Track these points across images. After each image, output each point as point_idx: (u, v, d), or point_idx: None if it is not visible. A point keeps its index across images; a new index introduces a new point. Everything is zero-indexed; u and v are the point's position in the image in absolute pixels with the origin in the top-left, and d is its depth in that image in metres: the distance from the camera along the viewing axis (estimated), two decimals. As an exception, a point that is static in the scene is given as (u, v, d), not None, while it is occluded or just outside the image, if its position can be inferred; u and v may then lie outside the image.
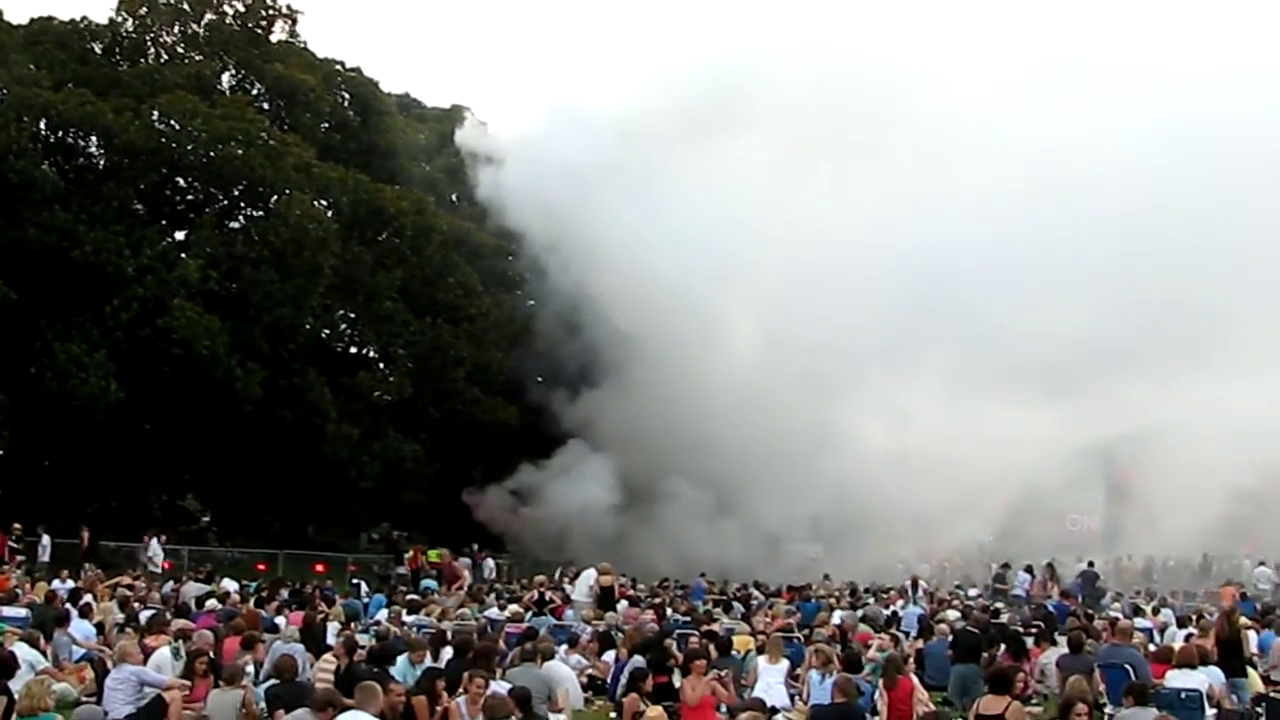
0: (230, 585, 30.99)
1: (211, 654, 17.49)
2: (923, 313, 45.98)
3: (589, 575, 31.93)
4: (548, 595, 30.94)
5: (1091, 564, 41.33)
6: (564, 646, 21.65)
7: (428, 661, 17.66)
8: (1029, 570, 40.04)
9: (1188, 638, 22.11)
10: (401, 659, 17.52)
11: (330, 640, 20.39)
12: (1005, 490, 49.46)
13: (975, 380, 47.41)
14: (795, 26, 53.56)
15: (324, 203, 47.40)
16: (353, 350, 54.38)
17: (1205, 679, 16.87)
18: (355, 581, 37.73)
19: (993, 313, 44.67)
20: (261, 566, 41.32)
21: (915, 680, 17.70)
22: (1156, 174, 42.55)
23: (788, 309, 47.37)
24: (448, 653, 18.65)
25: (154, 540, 39.05)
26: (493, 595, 32.76)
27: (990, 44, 52.98)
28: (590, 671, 21.00)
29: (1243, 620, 25.67)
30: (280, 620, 23.32)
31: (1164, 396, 45.86)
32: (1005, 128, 47.29)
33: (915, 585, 39.41)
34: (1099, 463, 52.76)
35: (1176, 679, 16.88)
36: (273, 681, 16.13)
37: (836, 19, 53.04)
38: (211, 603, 26.02)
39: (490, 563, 46.55)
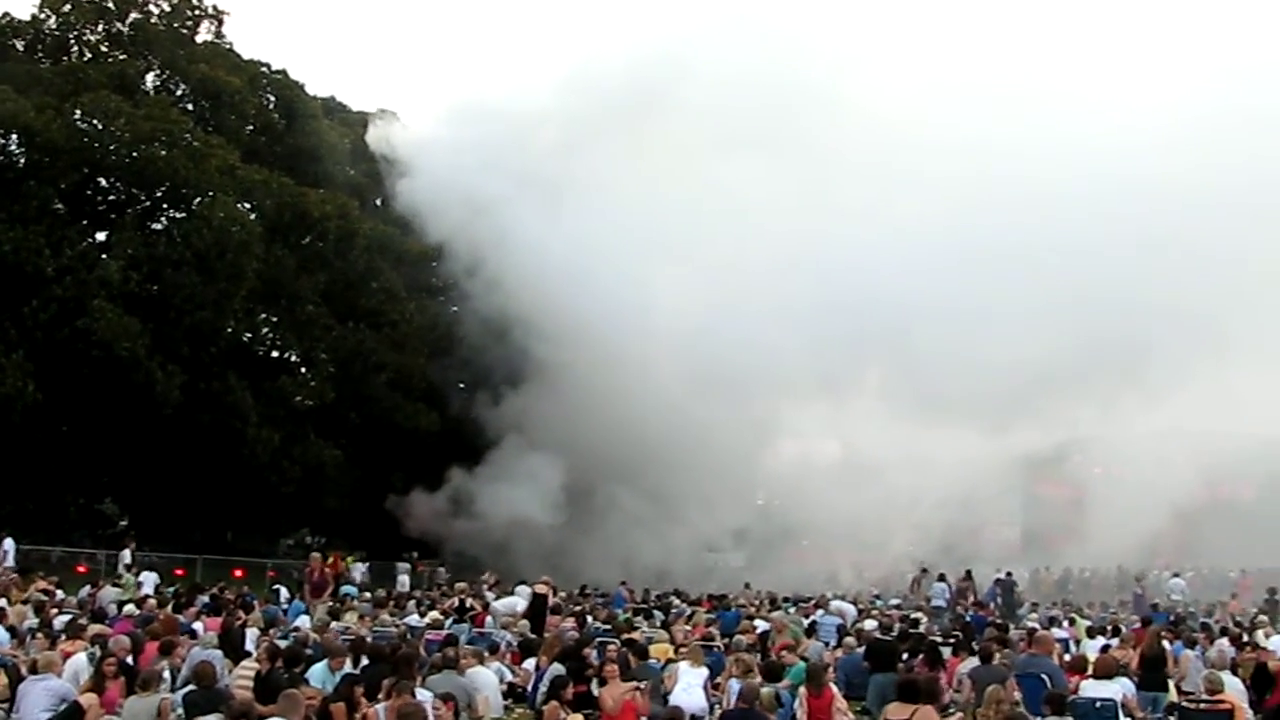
0: (149, 577, 30.88)
1: (129, 659, 17.34)
2: (850, 323, 45.99)
3: (524, 591, 31.90)
4: (469, 603, 30.89)
5: (1009, 574, 41.77)
6: (484, 653, 21.62)
7: (347, 668, 17.59)
8: (942, 579, 40.32)
9: (1104, 649, 22.47)
10: (320, 665, 17.46)
11: (250, 646, 20.29)
12: (929, 504, 50.09)
13: (904, 395, 47.77)
14: (720, 23, 53.24)
15: (247, 205, 47.19)
16: (274, 354, 53.96)
17: (1120, 689, 17.14)
18: (275, 587, 37.50)
19: (924, 329, 44.91)
20: (180, 571, 40.96)
21: (835, 689, 17.81)
22: (1093, 200, 43.06)
23: (715, 329, 47.12)
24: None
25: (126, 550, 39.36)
26: (412, 603, 32.66)
27: (923, 56, 52.95)
28: (511, 679, 20.99)
29: (1153, 631, 26.22)
30: (198, 626, 23.15)
31: (1090, 417, 46.60)
32: (937, 143, 47.47)
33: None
34: (1022, 478, 53.37)
35: (1091, 689, 17.13)
36: (191, 688, 16.01)
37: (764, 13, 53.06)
38: (129, 608, 25.77)
39: (404, 578, 46.52)
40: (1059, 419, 47.78)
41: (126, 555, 39.01)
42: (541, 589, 29.96)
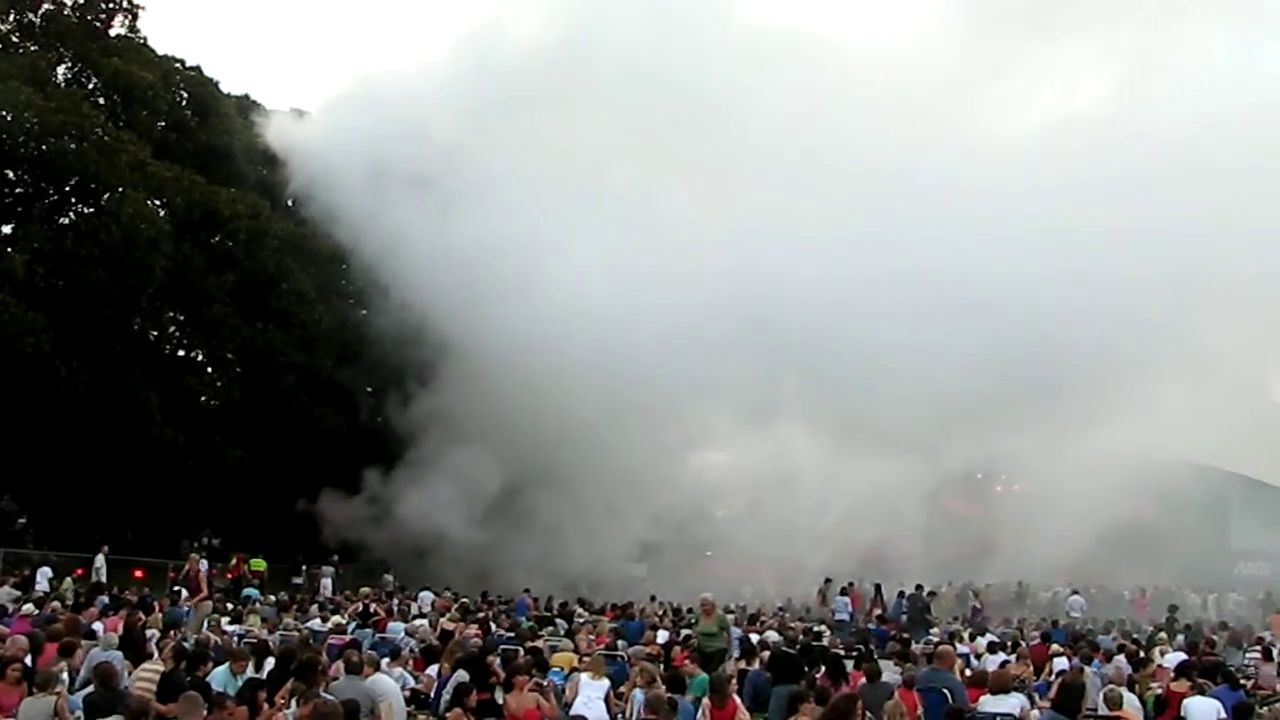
0: (46, 572, 30.57)
1: (28, 660, 17.13)
2: (764, 331, 45.98)
3: (426, 597, 31.85)
4: (372, 608, 30.80)
5: (921, 588, 42.34)
6: (386, 660, 21.54)
7: (249, 672, 17.49)
8: (845, 592, 40.61)
9: (1003, 664, 22.80)
10: (222, 669, 17.34)
11: (152, 648, 20.12)
12: (840, 519, 50.51)
13: (822, 409, 47.80)
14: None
15: (157, 202, 46.52)
16: (181, 353, 53.37)
17: (1017, 703, 17.37)
18: (175, 589, 37.12)
19: (842, 342, 44.88)
20: (80, 571, 40.43)
21: (739, 701, 17.93)
22: (1017, 221, 43.51)
23: (626, 335, 46.76)
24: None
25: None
26: (315, 606, 32.51)
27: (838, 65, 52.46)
28: (414, 686, 20.93)
29: (1054, 647, 26.62)
30: (98, 626, 22.91)
31: (1009, 439, 47.10)
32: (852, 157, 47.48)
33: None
34: (936, 496, 53.78)
35: (990, 704, 17.35)
36: (90, 689, 15.85)
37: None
38: (28, 607, 25.47)
39: (328, 580, 46.34)
40: (978, 439, 48.09)
41: (100, 560, 38.96)
42: (442, 604, 29.89)
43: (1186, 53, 46.85)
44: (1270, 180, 40.79)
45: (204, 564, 34.88)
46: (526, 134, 49.82)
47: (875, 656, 22.47)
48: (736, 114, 48.95)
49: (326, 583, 45.84)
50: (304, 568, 48.90)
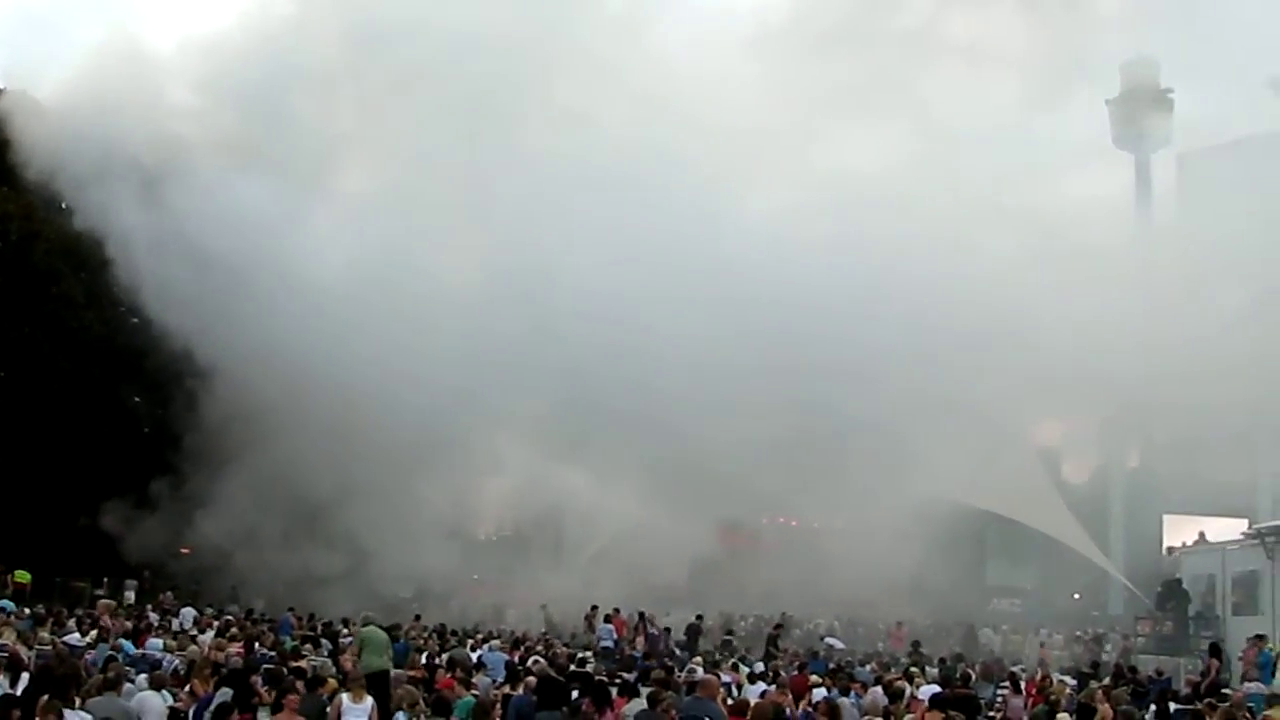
0: None
1: None
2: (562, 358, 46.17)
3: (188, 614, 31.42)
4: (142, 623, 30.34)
5: (701, 618, 43.11)
6: (143, 676, 21.27)
7: (5, 687, 17.17)
8: (609, 620, 40.92)
9: (763, 694, 23.44)
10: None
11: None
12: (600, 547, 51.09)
13: (606, 452, 48.09)
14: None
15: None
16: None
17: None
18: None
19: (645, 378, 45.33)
20: None
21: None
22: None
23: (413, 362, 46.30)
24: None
25: None
26: (73, 620, 31.84)
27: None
28: (173, 704, 20.67)
29: (814, 678, 27.43)
30: None
31: (783, 484, 48.21)
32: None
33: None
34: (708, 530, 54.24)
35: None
36: None
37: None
38: None
39: (130, 594, 45.57)
40: (761, 482, 48.80)
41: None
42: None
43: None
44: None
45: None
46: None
47: (638, 685, 22.86)
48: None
49: (129, 595, 45.01)
50: (74, 583, 47.44)
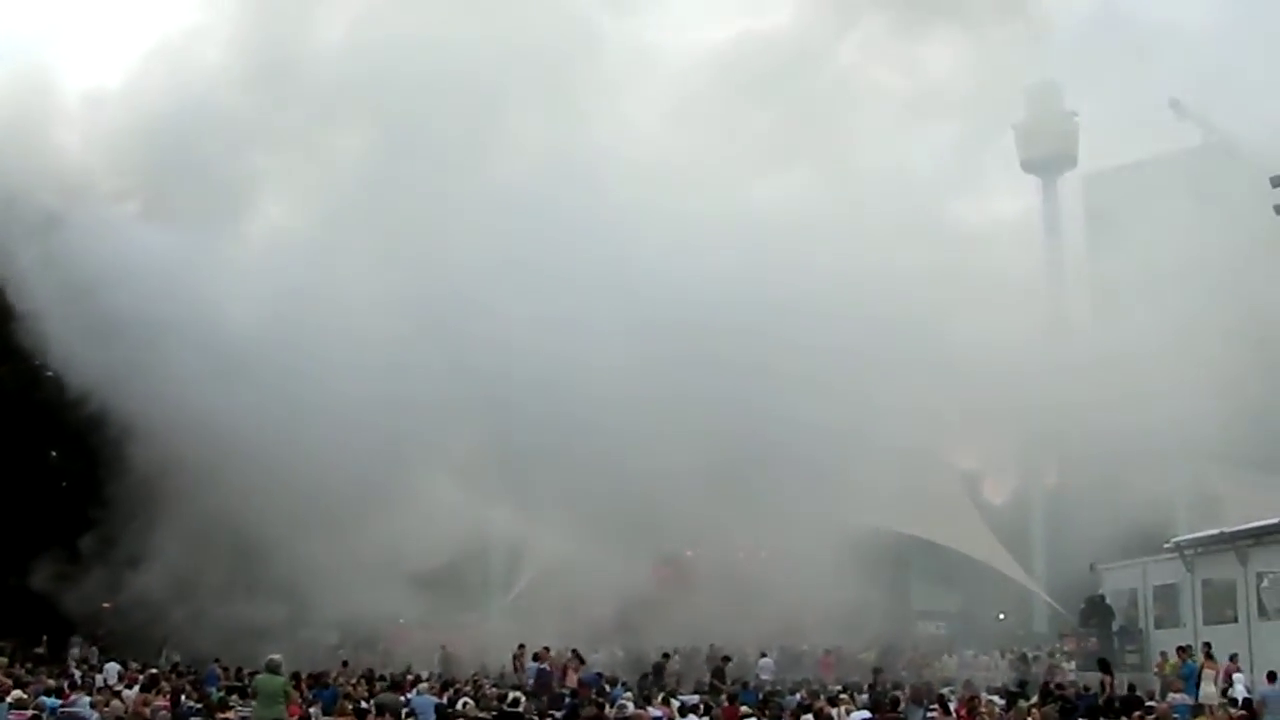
0: None
1: None
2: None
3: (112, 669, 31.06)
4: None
5: (667, 655, 43.33)
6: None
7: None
8: (537, 658, 40.64)
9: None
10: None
11: None
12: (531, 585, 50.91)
13: (530, 488, 47.85)
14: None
15: None
16: None
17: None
18: None
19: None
20: None
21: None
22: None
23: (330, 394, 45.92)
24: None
25: None
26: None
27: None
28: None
29: (744, 708, 27.60)
30: None
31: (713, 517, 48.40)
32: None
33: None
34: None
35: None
36: None
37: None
38: None
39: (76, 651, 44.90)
40: (690, 515, 48.84)
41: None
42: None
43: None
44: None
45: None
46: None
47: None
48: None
49: (75, 652, 44.43)
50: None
